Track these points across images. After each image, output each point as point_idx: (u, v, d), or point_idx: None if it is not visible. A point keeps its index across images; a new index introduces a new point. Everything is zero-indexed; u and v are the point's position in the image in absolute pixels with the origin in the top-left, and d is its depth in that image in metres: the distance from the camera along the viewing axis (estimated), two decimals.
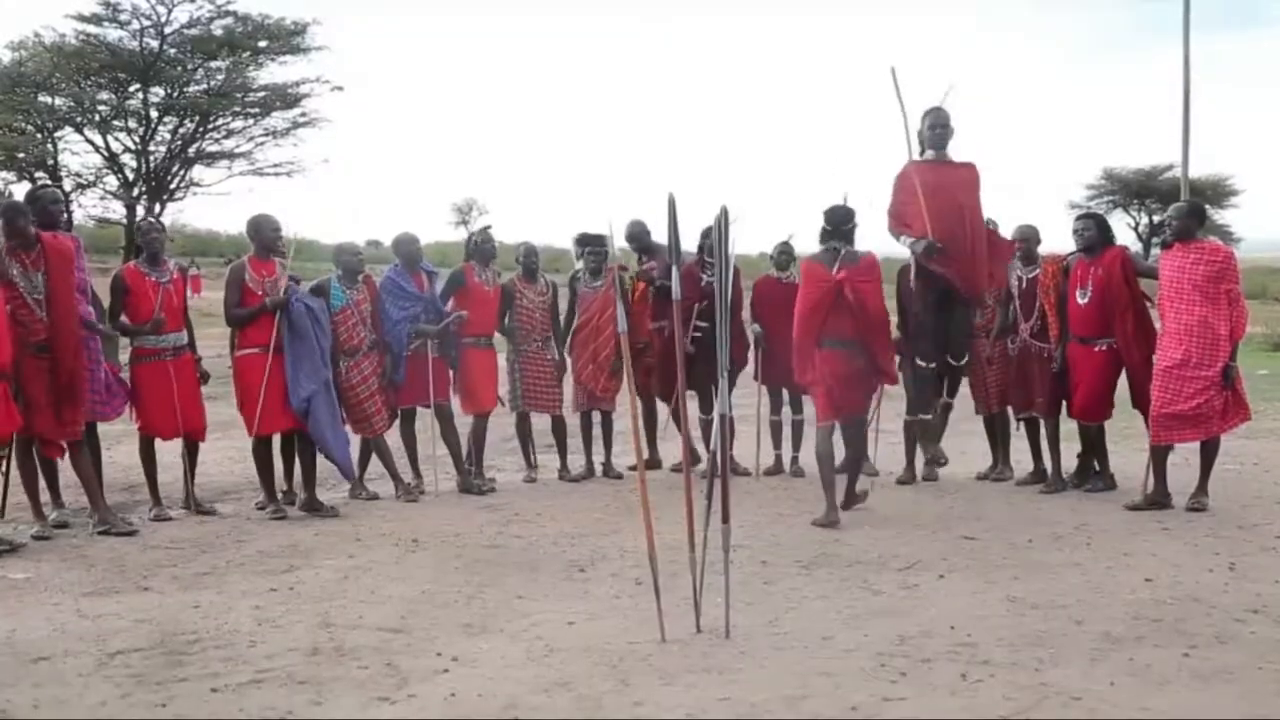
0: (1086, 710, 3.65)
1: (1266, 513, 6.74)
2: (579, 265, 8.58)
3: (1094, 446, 7.48)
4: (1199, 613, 4.73)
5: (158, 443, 6.97)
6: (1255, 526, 6.38)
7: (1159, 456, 6.93)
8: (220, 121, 32.93)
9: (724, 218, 4.81)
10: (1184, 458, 7.21)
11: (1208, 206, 8.31)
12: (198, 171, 33.66)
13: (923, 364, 7.46)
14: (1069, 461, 7.69)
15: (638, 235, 8.36)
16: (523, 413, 8.19)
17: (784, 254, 8.35)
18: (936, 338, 7.42)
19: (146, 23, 29.44)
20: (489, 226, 8.34)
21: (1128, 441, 8.25)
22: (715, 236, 4.86)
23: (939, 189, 7.19)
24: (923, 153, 7.41)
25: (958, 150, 7.44)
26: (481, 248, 8.11)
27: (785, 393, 8.35)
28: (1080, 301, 7.22)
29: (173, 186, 32.48)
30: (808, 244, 8.87)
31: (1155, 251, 7.12)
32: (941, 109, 7.38)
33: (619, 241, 8.06)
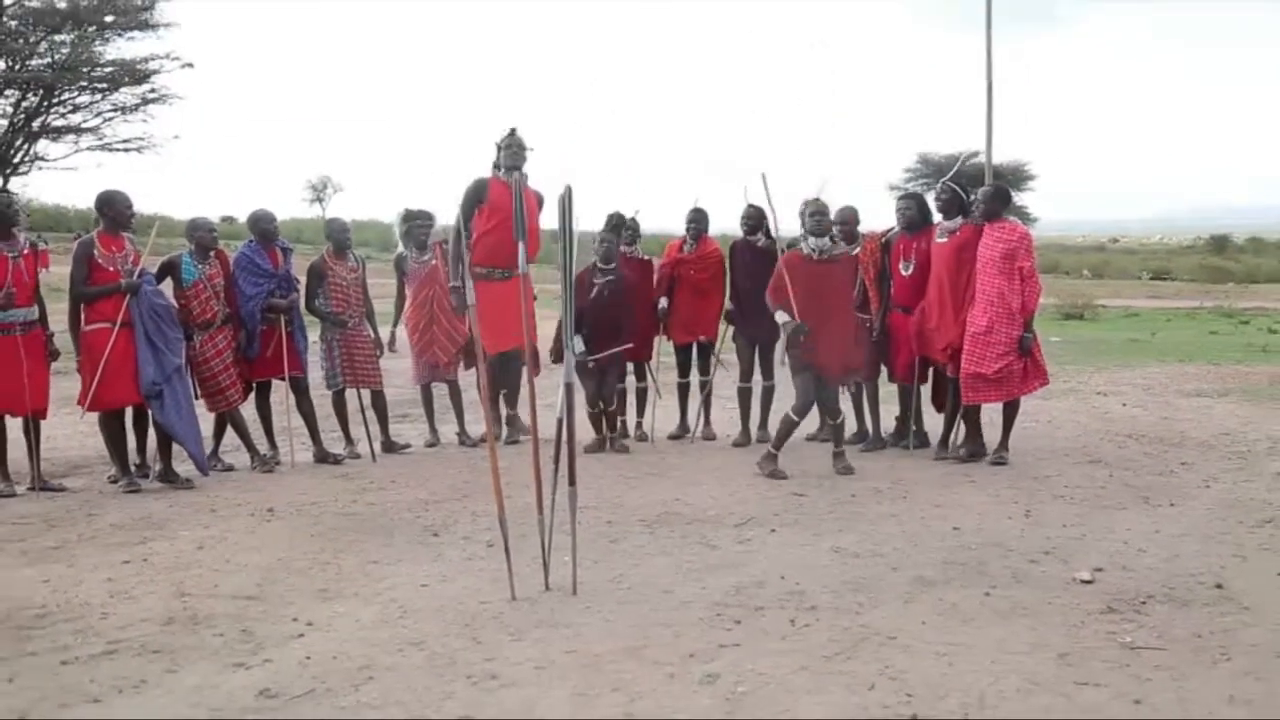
0: (900, 647, 3.81)
1: (1058, 465, 7.14)
2: (400, 247, 8.30)
3: (910, 408, 7.77)
4: (999, 556, 4.98)
5: (7, 419, 6.57)
6: (1048, 478, 6.75)
7: (971, 415, 7.27)
8: (66, 96, 31.12)
9: (569, 197, 4.78)
10: (989, 417, 7.56)
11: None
12: (42, 145, 31.83)
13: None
14: (888, 422, 8.00)
15: None
16: (339, 390, 7.84)
17: (629, 229, 8.20)
18: (809, 396, 7.17)
19: None
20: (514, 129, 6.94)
21: None
22: (561, 214, 4.82)
23: (811, 292, 6.88)
24: (806, 239, 7.04)
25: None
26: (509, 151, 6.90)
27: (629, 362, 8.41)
28: (905, 274, 7.50)
29: (16, 160, 30.58)
30: (656, 221, 8.90)
31: None
32: (819, 200, 7.13)
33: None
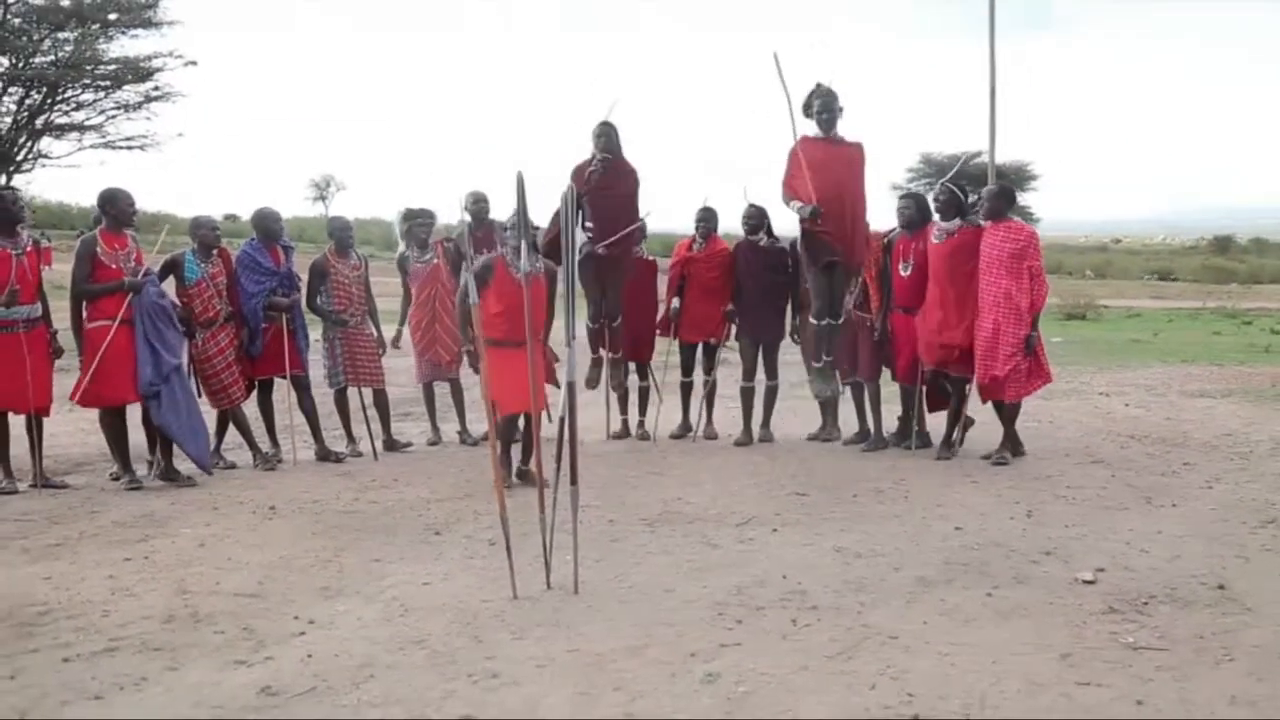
0: (902, 647, 3.80)
1: (1060, 465, 7.13)
2: (402, 246, 8.36)
3: (913, 408, 7.76)
4: (1000, 556, 4.97)
5: (10, 416, 6.57)
6: (1049, 478, 6.74)
7: (1000, 411, 7.30)
8: (69, 93, 31.16)
9: (570, 195, 4.78)
10: (990, 417, 7.55)
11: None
12: (46, 143, 31.88)
13: (816, 321, 7.57)
14: (890, 422, 7.98)
15: (480, 211, 8.06)
16: (341, 388, 7.85)
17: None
18: (827, 296, 7.50)
19: None
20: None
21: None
22: (562, 213, 4.82)
23: (824, 165, 7.25)
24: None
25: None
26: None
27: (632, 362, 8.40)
28: (903, 274, 7.48)
29: (19, 158, 30.61)
30: (658, 221, 8.90)
31: None
32: (830, 92, 7.36)
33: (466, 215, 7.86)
